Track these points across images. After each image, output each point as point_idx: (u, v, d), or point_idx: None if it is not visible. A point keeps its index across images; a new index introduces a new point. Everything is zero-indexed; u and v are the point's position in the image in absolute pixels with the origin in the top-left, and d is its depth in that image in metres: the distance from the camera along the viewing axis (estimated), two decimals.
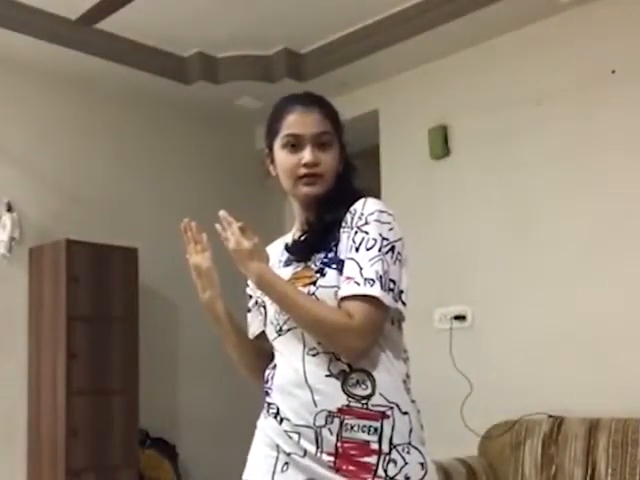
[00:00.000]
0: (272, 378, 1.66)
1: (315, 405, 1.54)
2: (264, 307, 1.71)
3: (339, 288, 1.56)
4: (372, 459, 1.51)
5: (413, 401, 1.62)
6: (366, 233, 1.57)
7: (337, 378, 1.54)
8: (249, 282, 1.80)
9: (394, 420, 1.54)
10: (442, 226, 4.10)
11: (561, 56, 3.73)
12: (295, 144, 1.68)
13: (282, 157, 1.71)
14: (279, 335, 1.65)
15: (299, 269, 1.65)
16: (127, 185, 4.61)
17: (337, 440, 1.52)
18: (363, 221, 1.59)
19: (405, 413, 1.56)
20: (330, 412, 1.53)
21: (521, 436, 3.44)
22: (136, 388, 4.07)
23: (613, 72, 3.55)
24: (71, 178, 4.37)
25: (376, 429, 1.52)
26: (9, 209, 4.02)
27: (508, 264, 3.83)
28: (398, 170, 4.41)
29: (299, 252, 1.67)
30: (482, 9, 3.66)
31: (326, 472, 1.53)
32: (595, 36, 3.62)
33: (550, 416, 3.44)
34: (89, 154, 4.47)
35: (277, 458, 1.59)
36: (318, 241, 1.64)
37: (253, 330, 1.82)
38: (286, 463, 1.58)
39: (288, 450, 1.57)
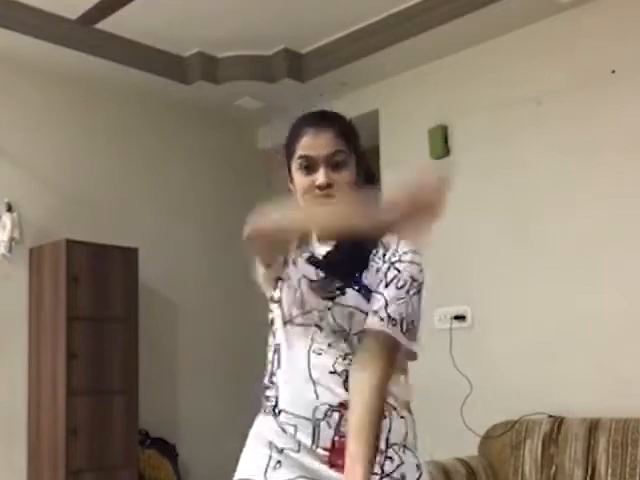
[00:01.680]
0: (273, 371, 1.67)
1: (317, 397, 1.56)
2: (281, 289, 1.71)
3: (355, 310, 1.60)
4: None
5: (411, 413, 1.65)
6: (398, 272, 1.62)
7: (340, 375, 1.57)
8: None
9: (391, 421, 1.58)
10: (442, 226, 4.08)
11: (561, 56, 3.73)
12: (308, 166, 1.69)
13: (297, 179, 1.72)
14: (286, 324, 1.67)
15: (320, 277, 1.66)
16: (127, 185, 4.61)
17: (334, 434, 1.54)
18: (397, 258, 1.63)
19: (402, 417, 1.61)
20: (331, 406, 1.55)
21: (521, 436, 3.44)
22: (136, 388, 4.07)
23: (613, 72, 3.55)
24: (71, 178, 4.37)
25: (382, 427, 1.55)
26: (9, 209, 4.02)
27: (508, 264, 3.83)
28: (398, 170, 4.40)
29: (340, 272, 1.65)
30: (482, 9, 3.66)
31: (320, 466, 1.54)
32: (595, 36, 3.62)
33: (550, 416, 3.44)
34: (89, 154, 4.47)
35: (270, 456, 1.60)
36: (358, 265, 1.65)
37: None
38: (279, 461, 1.59)
39: (282, 445, 1.58)
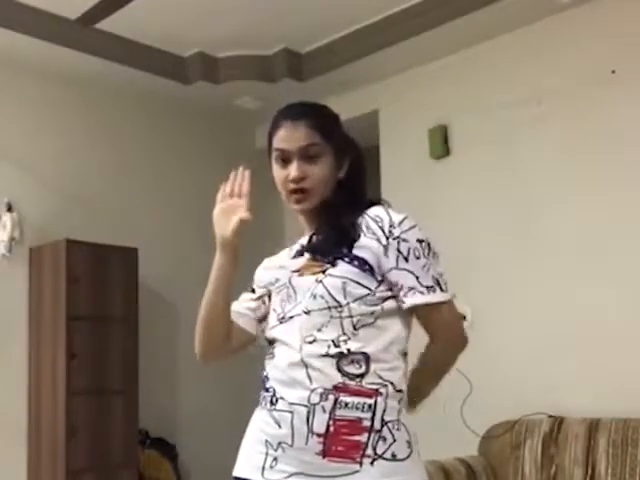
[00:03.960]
0: (269, 363, 1.67)
1: (310, 381, 1.55)
2: (269, 297, 1.74)
3: (348, 280, 1.59)
4: (363, 437, 1.52)
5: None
6: (406, 241, 1.63)
7: (332, 357, 1.56)
8: (262, 272, 1.82)
9: (387, 397, 1.57)
10: (442, 226, 4.09)
11: (561, 56, 3.73)
12: (284, 159, 1.72)
13: (275, 172, 1.76)
14: (280, 323, 1.67)
15: (309, 260, 1.67)
16: (127, 185, 4.61)
17: (329, 418, 1.53)
18: (400, 230, 1.64)
19: (399, 391, 1.60)
20: (325, 389, 1.54)
21: (521, 436, 3.44)
22: (136, 388, 4.07)
23: (613, 72, 3.55)
24: (71, 178, 4.37)
25: (370, 405, 1.54)
26: (9, 209, 4.03)
27: (508, 264, 3.83)
28: (398, 170, 4.41)
29: (323, 249, 1.66)
30: (482, 9, 3.66)
31: (313, 460, 1.53)
32: (595, 36, 3.62)
33: (550, 416, 3.44)
34: (89, 154, 4.47)
35: (266, 454, 1.60)
36: (339, 240, 1.65)
37: (235, 317, 1.81)
38: (275, 459, 1.58)
39: (277, 441, 1.57)
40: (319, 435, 1.52)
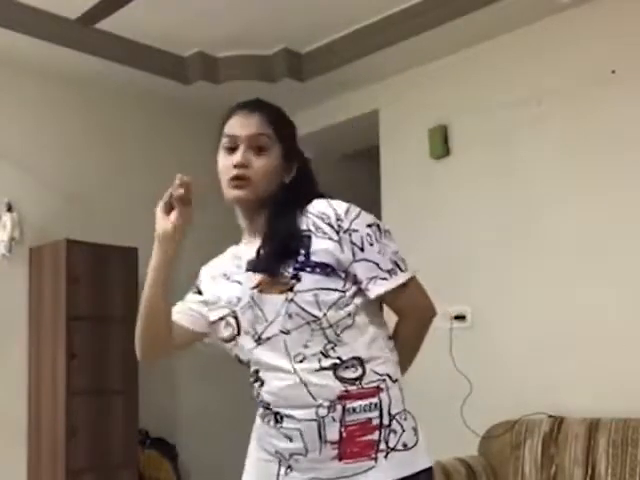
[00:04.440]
0: (259, 391, 1.65)
1: (314, 398, 1.55)
2: (235, 318, 1.67)
3: (318, 290, 1.57)
4: (374, 435, 1.54)
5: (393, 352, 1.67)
6: (357, 231, 1.60)
7: (328, 369, 1.56)
8: (206, 279, 1.81)
9: (388, 390, 1.58)
10: (442, 226, 4.10)
11: (561, 56, 3.73)
12: (231, 147, 1.69)
13: (220, 160, 1.73)
14: (258, 344, 1.62)
15: (266, 276, 1.62)
16: (127, 185, 4.60)
17: (341, 425, 1.54)
18: (349, 221, 1.61)
19: (395, 381, 1.61)
20: (331, 401, 1.54)
21: (521, 436, 3.44)
22: (136, 388, 4.07)
23: (613, 72, 3.54)
24: (71, 178, 4.37)
25: (376, 404, 1.56)
26: (9, 209, 4.03)
27: (508, 264, 3.83)
28: (398, 170, 4.41)
29: (269, 265, 1.61)
30: (482, 9, 3.66)
31: (329, 465, 1.54)
32: (595, 36, 3.62)
33: (550, 416, 3.44)
34: (89, 154, 4.47)
35: (280, 462, 1.60)
36: (286, 251, 1.60)
37: (180, 317, 1.77)
38: (289, 466, 1.59)
39: (289, 452, 1.58)
40: (333, 442, 1.54)
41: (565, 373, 3.54)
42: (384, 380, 1.58)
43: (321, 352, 1.56)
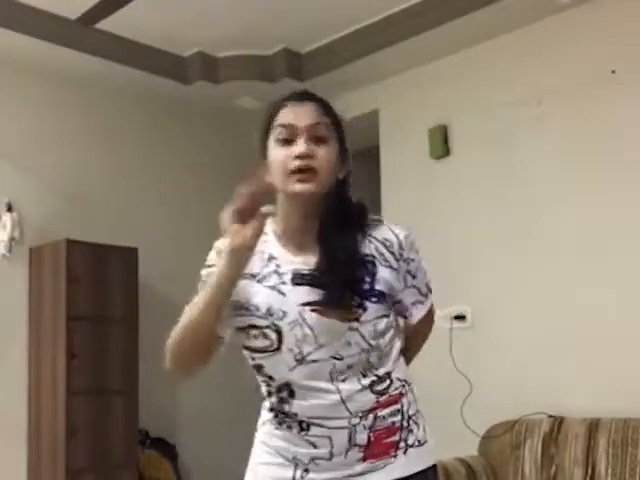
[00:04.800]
0: (284, 399, 1.57)
1: (349, 412, 1.55)
2: (277, 332, 1.54)
3: (377, 319, 1.56)
4: (396, 436, 1.58)
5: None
6: (413, 260, 1.64)
7: (367, 387, 1.57)
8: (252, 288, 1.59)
9: (407, 394, 1.62)
10: (442, 226, 4.10)
11: (561, 56, 3.73)
12: (288, 138, 1.55)
13: (274, 153, 1.56)
14: (299, 364, 1.54)
15: (325, 297, 1.53)
16: (127, 185, 4.61)
17: (370, 431, 1.56)
18: (407, 251, 1.62)
19: (410, 384, 1.65)
20: (364, 411, 1.56)
21: (521, 436, 3.44)
22: (136, 388, 4.07)
23: (613, 72, 3.55)
24: (71, 178, 4.37)
25: (399, 410, 1.60)
26: (9, 209, 4.03)
27: (508, 264, 3.83)
28: (398, 170, 4.41)
29: (339, 298, 1.52)
30: (482, 9, 3.66)
31: (352, 465, 1.55)
32: (595, 36, 3.62)
33: (550, 416, 3.44)
34: (89, 154, 4.47)
35: (296, 465, 1.58)
36: (354, 280, 1.54)
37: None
38: (306, 469, 1.57)
39: (311, 457, 1.56)
40: (360, 446, 1.55)
41: (565, 373, 3.54)
42: (403, 385, 1.62)
43: (361, 373, 1.57)
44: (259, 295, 1.56)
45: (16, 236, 4.01)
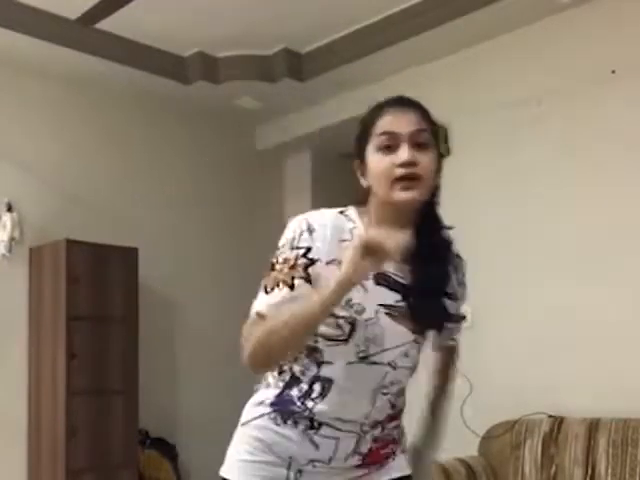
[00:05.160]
0: (312, 396, 1.54)
1: (367, 418, 1.57)
2: (351, 325, 1.50)
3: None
4: (394, 447, 1.66)
5: None
6: (465, 287, 1.73)
7: (392, 402, 1.61)
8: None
9: (402, 406, 1.66)
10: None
11: (561, 56, 3.73)
12: (390, 145, 1.52)
13: (375, 160, 1.53)
14: (360, 362, 1.52)
15: (401, 305, 1.54)
16: (127, 185, 4.61)
17: (373, 441, 1.59)
18: (464, 275, 1.74)
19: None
20: (377, 421, 1.58)
21: (521, 436, 3.44)
22: (136, 388, 4.07)
23: (613, 72, 3.54)
24: (71, 178, 4.37)
25: (399, 425, 1.67)
26: (9, 209, 4.03)
27: (508, 264, 3.83)
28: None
29: (439, 324, 1.62)
30: (482, 9, 3.66)
31: (347, 471, 1.59)
32: (595, 36, 3.62)
33: (550, 416, 3.44)
34: (89, 154, 4.47)
35: (289, 465, 1.56)
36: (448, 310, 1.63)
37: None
38: (299, 471, 1.56)
39: (308, 458, 1.55)
40: (361, 454, 1.58)
41: (565, 373, 3.54)
42: (403, 402, 1.67)
43: (400, 388, 1.62)
44: (359, 300, 1.52)
45: (16, 236, 4.02)
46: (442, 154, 1.63)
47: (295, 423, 1.54)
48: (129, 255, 4.14)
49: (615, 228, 3.49)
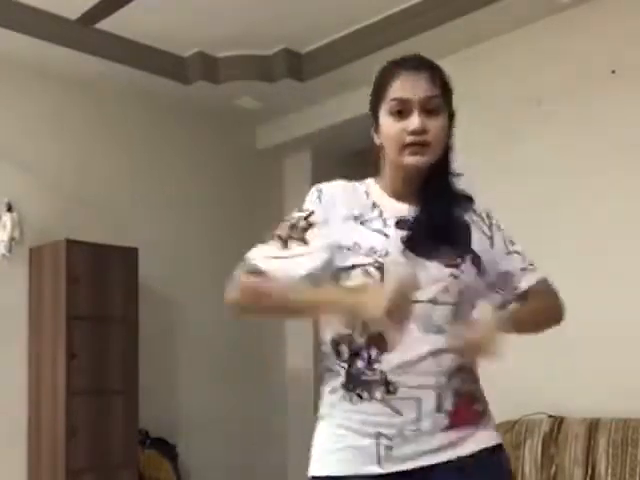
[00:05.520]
0: (372, 358, 1.55)
1: (438, 366, 1.54)
2: (379, 269, 1.54)
3: (472, 282, 1.60)
4: (478, 406, 1.61)
5: None
6: (504, 230, 1.77)
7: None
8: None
9: (476, 367, 1.65)
10: None
11: (561, 56, 3.73)
12: (401, 110, 1.58)
13: (387, 124, 1.60)
14: None
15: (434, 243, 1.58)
16: (127, 185, 4.61)
17: (455, 395, 1.56)
18: (495, 220, 1.78)
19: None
20: (451, 371, 1.56)
21: (521, 436, 3.44)
22: (136, 388, 4.07)
23: (613, 72, 3.55)
24: (71, 178, 4.37)
25: (477, 379, 1.65)
26: (9, 209, 4.03)
27: None
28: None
29: (462, 244, 1.62)
30: (482, 9, 3.67)
31: (438, 436, 1.53)
32: (595, 36, 3.62)
33: (550, 416, 3.44)
34: (89, 154, 4.47)
35: (377, 444, 1.53)
36: (463, 237, 1.64)
37: (313, 265, 1.57)
38: (389, 447, 1.53)
39: (395, 428, 1.52)
40: (447, 412, 1.54)
41: (565, 373, 3.54)
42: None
43: (454, 330, 1.56)
44: (363, 235, 1.58)
45: (16, 236, 4.02)
46: (453, 114, 1.66)
47: (371, 395, 1.54)
48: (129, 255, 4.14)
49: (615, 228, 3.49)
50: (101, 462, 3.91)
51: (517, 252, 1.72)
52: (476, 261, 1.61)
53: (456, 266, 1.56)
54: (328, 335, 1.62)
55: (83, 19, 3.89)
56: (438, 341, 1.54)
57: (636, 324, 3.37)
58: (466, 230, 1.64)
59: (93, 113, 4.52)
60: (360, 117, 4.52)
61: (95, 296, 3.99)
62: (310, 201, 1.64)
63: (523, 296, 1.70)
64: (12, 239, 4.00)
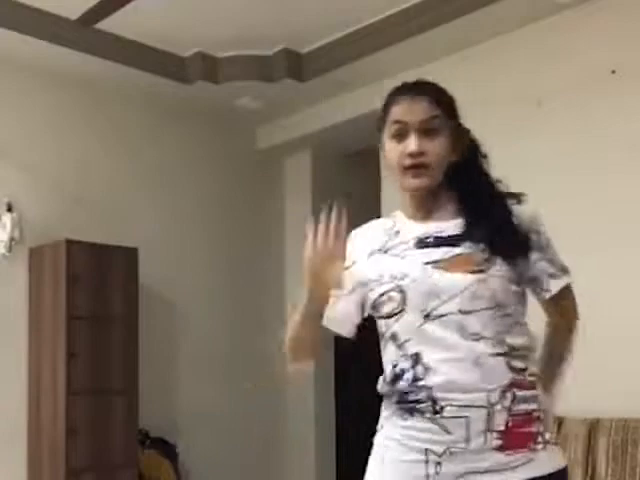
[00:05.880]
0: (416, 376, 1.55)
1: (486, 382, 1.52)
2: (401, 292, 1.58)
3: (509, 281, 1.60)
4: (534, 427, 1.55)
5: None
6: (543, 233, 1.81)
7: (503, 356, 1.54)
8: (373, 264, 1.66)
9: (538, 386, 1.60)
10: None
11: (561, 56, 3.73)
12: (401, 133, 1.64)
13: (389, 148, 1.68)
14: (425, 322, 1.55)
15: (451, 255, 1.58)
16: (127, 185, 4.61)
17: (508, 414, 1.52)
18: (534, 223, 1.82)
19: (539, 379, 1.63)
20: (502, 387, 1.52)
21: None
22: (136, 388, 4.07)
23: (613, 72, 3.55)
24: (71, 178, 4.37)
25: (536, 397, 1.57)
26: (9, 209, 4.03)
27: None
28: None
29: (513, 250, 1.65)
30: (482, 9, 3.67)
31: (489, 456, 1.50)
32: (595, 36, 3.62)
33: None
34: (89, 154, 4.47)
35: (426, 462, 1.53)
36: (521, 241, 1.70)
37: (341, 316, 1.69)
38: (438, 464, 1.52)
39: (445, 446, 1.51)
40: (498, 432, 1.51)
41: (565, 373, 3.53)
42: (537, 376, 1.61)
43: (494, 336, 1.54)
44: (387, 264, 1.63)
45: (16, 236, 4.02)
46: (461, 126, 1.75)
47: (421, 412, 1.54)
48: (129, 255, 4.14)
49: (615, 227, 3.49)
50: (101, 462, 3.91)
51: (546, 259, 1.73)
52: (511, 261, 1.61)
53: (481, 271, 1.55)
54: (386, 359, 1.66)
55: (83, 19, 3.89)
56: (477, 347, 1.52)
57: (636, 324, 3.36)
58: (512, 230, 1.69)
59: (93, 113, 4.52)
60: (360, 117, 4.56)
61: (95, 296, 3.99)
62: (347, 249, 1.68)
63: (551, 301, 1.77)
64: (12, 239, 4.00)
